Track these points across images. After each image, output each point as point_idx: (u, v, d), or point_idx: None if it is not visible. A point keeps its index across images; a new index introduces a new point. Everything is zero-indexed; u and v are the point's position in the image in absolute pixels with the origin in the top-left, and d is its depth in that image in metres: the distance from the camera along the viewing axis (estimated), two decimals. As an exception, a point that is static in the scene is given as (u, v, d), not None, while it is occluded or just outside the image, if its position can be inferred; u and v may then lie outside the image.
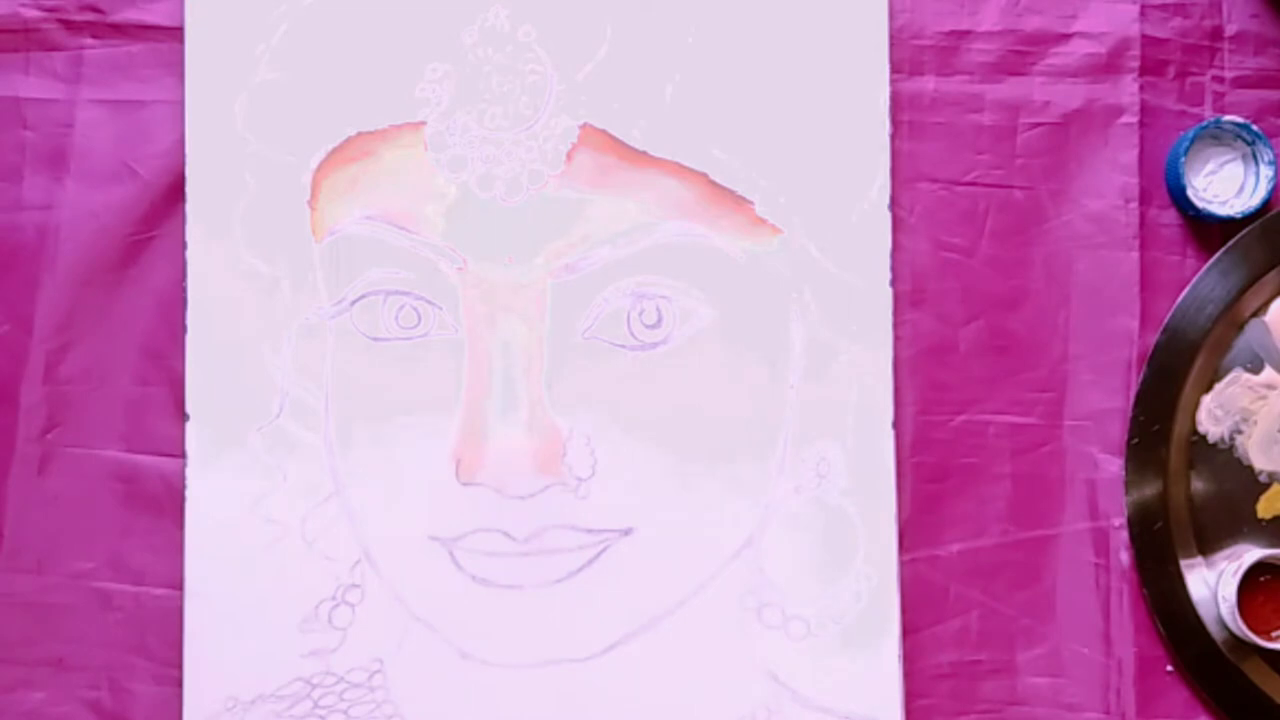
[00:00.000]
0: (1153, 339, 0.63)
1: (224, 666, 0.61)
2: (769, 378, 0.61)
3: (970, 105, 0.64)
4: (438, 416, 0.61)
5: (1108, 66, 0.64)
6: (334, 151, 0.61)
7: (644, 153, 0.62)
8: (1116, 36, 0.64)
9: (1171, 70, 0.64)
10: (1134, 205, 0.64)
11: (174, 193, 0.62)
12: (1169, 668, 0.63)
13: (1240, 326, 0.64)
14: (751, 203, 0.62)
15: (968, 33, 0.64)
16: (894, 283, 0.62)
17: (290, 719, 0.61)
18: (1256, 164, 0.63)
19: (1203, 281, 0.63)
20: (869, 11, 0.62)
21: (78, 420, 0.62)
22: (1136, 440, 0.63)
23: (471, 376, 0.61)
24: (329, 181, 0.61)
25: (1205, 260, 0.64)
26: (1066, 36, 0.64)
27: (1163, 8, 0.64)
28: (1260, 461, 0.64)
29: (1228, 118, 0.63)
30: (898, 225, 0.63)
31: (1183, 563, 0.63)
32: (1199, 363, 0.63)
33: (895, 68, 0.63)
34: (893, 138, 0.63)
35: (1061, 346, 0.64)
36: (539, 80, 0.62)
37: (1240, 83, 0.65)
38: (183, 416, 0.61)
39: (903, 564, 0.62)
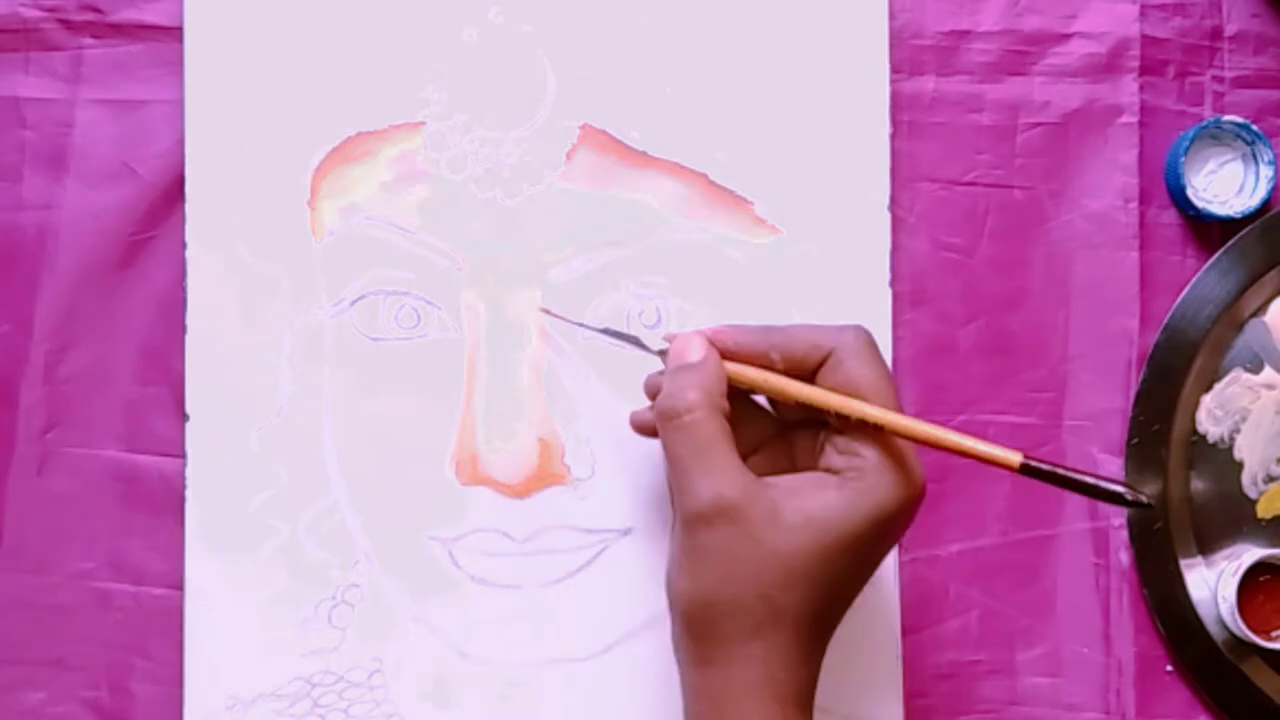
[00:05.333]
0: (1153, 339, 0.63)
1: (224, 666, 0.60)
2: (769, 378, 0.61)
3: (970, 105, 0.64)
4: (438, 417, 0.61)
5: (1108, 66, 0.64)
6: (334, 151, 0.61)
7: (643, 153, 0.62)
8: (1116, 36, 0.64)
9: (1171, 70, 0.64)
10: (1134, 205, 0.64)
11: (174, 193, 0.62)
12: (1169, 668, 0.63)
13: (1240, 326, 0.64)
14: (751, 203, 0.62)
15: (968, 33, 0.64)
16: (894, 283, 0.62)
17: (290, 717, 0.61)
18: (1256, 164, 0.63)
19: (1203, 281, 0.63)
20: (869, 12, 0.62)
21: (78, 420, 0.62)
22: (1136, 440, 0.63)
23: (471, 377, 0.61)
24: (329, 181, 0.61)
25: (1205, 260, 0.64)
26: (1066, 36, 0.64)
27: (1163, 8, 0.64)
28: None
29: (1228, 118, 0.63)
30: (897, 225, 0.63)
31: (1182, 563, 0.63)
32: (1199, 363, 0.63)
33: (895, 68, 0.63)
34: (893, 138, 0.63)
35: (1061, 346, 0.64)
36: (539, 80, 0.62)
37: (1240, 83, 0.65)
38: (183, 416, 0.61)
39: (902, 564, 0.62)
